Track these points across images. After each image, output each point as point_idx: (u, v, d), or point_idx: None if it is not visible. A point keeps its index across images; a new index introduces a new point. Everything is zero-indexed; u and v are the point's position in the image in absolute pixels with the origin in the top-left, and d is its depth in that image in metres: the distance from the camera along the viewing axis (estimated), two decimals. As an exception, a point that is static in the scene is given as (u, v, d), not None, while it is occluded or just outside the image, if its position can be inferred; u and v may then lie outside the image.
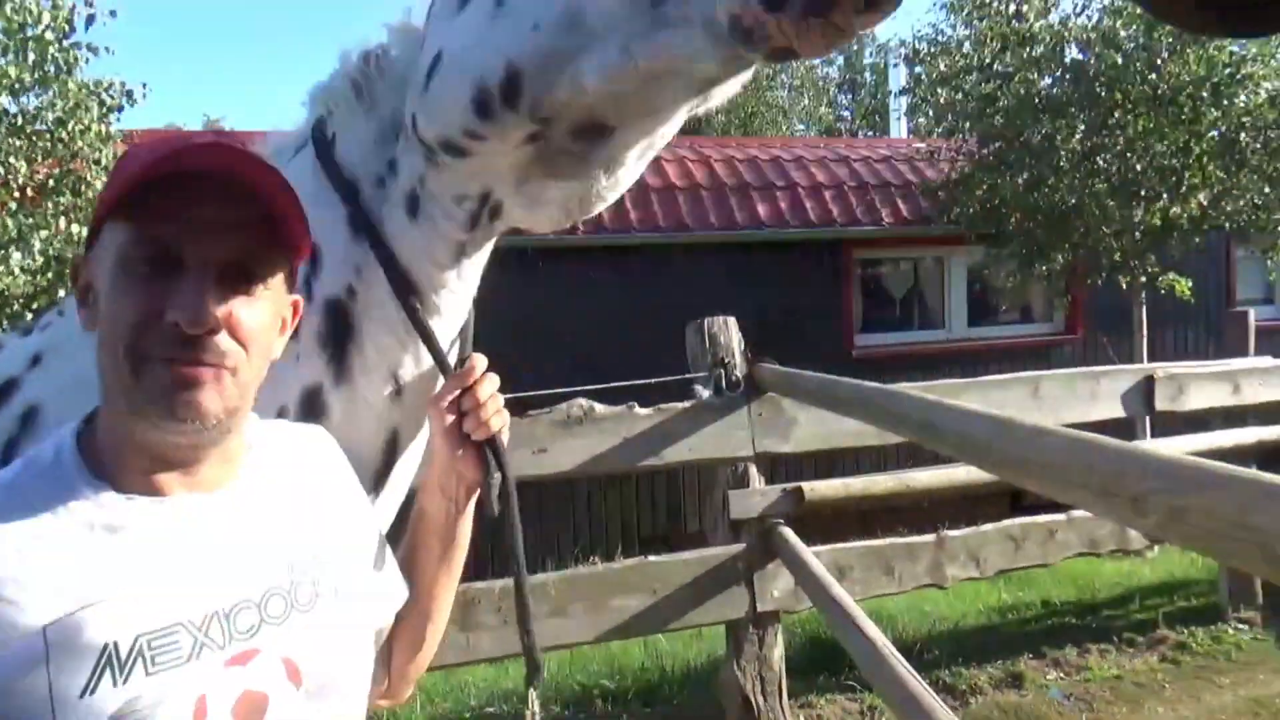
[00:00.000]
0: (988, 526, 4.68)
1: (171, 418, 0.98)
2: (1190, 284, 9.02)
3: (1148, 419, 6.52)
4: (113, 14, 7.10)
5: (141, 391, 0.98)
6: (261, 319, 1.06)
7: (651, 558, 3.91)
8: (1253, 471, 1.14)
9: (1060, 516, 4.69)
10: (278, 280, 1.09)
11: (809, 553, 3.79)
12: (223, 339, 1.00)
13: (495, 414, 1.31)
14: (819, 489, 4.13)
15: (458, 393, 1.30)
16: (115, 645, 0.91)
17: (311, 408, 1.34)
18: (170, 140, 1.03)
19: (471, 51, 1.16)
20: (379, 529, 1.28)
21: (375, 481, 1.40)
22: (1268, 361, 5.49)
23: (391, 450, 1.40)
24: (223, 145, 1.04)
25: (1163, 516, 1.18)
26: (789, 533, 3.95)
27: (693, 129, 31.21)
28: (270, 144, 1.51)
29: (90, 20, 6.96)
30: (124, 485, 1.01)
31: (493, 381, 1.32)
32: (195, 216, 1.01)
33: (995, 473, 1.77)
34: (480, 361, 1.33)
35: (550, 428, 3.61)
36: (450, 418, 1.30)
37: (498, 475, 1.32)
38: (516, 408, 5.13)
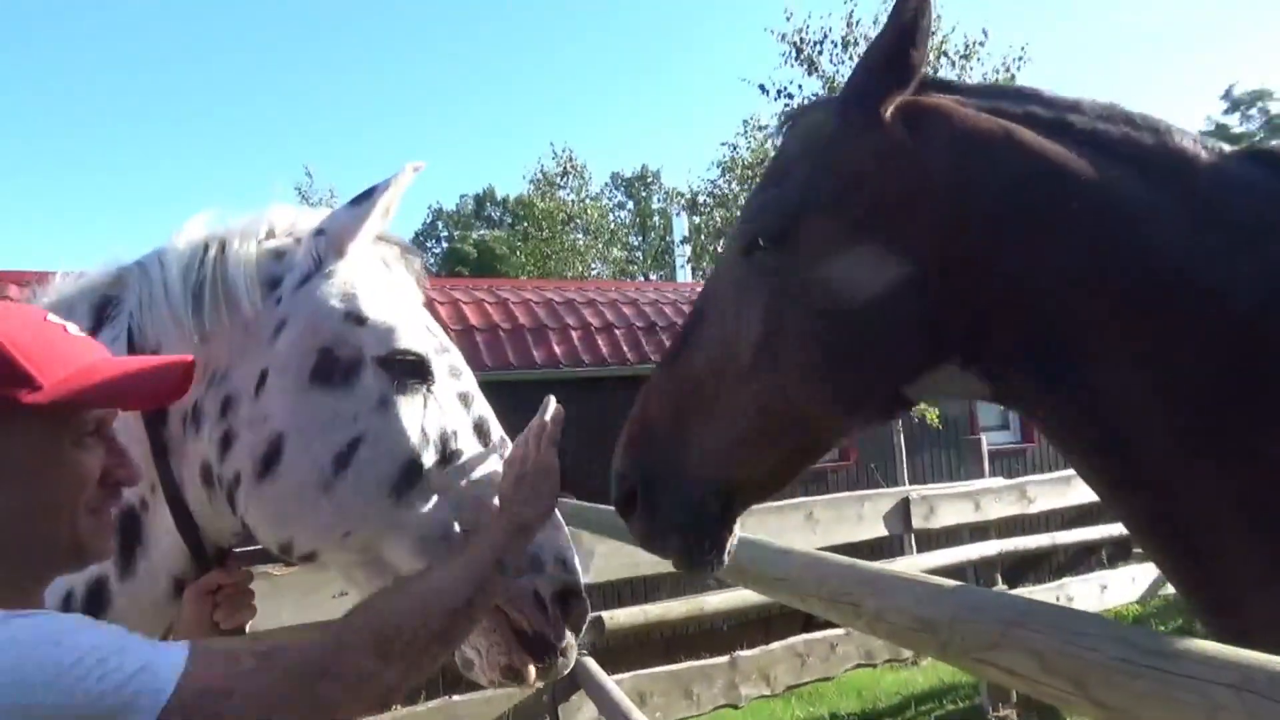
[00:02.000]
0: (775, 645, 5.02)
1: None
2: (939, 413, 10.15)
3: (912, 536, 7.23)
4: None
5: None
6: None
7: (455, 697, 3.94)
8: (929, 577, 1.49)
9: (840, 631, 5.10)
10: None
11: (610, 681, 3.96)
12: None
13: (246, 607, 1.53)
14: (618, 617, 4.34)
15: (218, 585, 1.50)
16: None
17: (97, 595, 1.48)
18: (51, 332, 1.13)
19: (298, 520, 1.46)
20: None
21: None
22: (999, 482, 6.35)
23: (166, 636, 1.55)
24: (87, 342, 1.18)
25: (871, 617, 1.50)
26: (591, 663, 4.11)
27: (496, 271, 31.76)
28: (59, 296, 1.59)
29: None
30: None
31: (248, 577, 1.55)
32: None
33: (753, 589, 2.07)
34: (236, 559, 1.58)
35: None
36: (207, 607, 1.49)
37: None
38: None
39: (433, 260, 51.02)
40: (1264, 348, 1.13)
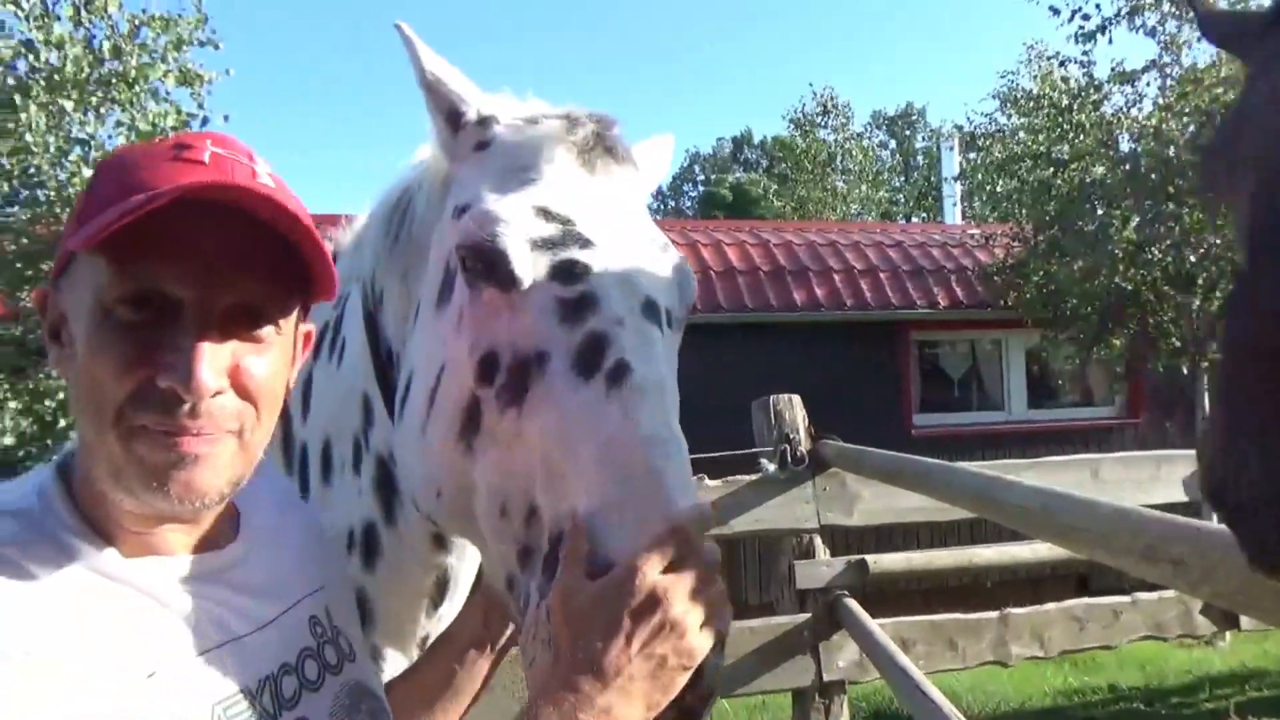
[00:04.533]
0: (1050, 606, 4.73)
1: (164, 499, 0.82)
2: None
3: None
4: (225, 119, 7.74)
5: (131, 466, 0.81)
6: (273, 368, 0.89)
7: (718, 624, 4.06)
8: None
9: (1125, 599, 4.72)
10: (290, 320, 0.93)
11: (875, 624, 3.92)
12: (228, 399, 0.84)
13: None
14: (883, 562, 4.27)
15: None
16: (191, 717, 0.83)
17: (370, 539, 1.41)
18: (160, 156, 0.84)
19: (411, 471, 1.25)
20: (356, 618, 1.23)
21: (430, 608, 1.46)
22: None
23: (443, 587, 1.45)
24: (227, 163, 0.85)
25: (1198, 576, 1.37)
26: (854, 604, 4.08)
27: (751, 213, 31.80)
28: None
29: (204, 123, 7.59)
30: (124, 543, 0.86)
31: None
32: (196, 252, 0.82)
33: (1050, 540, 1.96)
34: None
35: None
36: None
37: None
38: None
39: (689, 204, 51.77)
40: None
